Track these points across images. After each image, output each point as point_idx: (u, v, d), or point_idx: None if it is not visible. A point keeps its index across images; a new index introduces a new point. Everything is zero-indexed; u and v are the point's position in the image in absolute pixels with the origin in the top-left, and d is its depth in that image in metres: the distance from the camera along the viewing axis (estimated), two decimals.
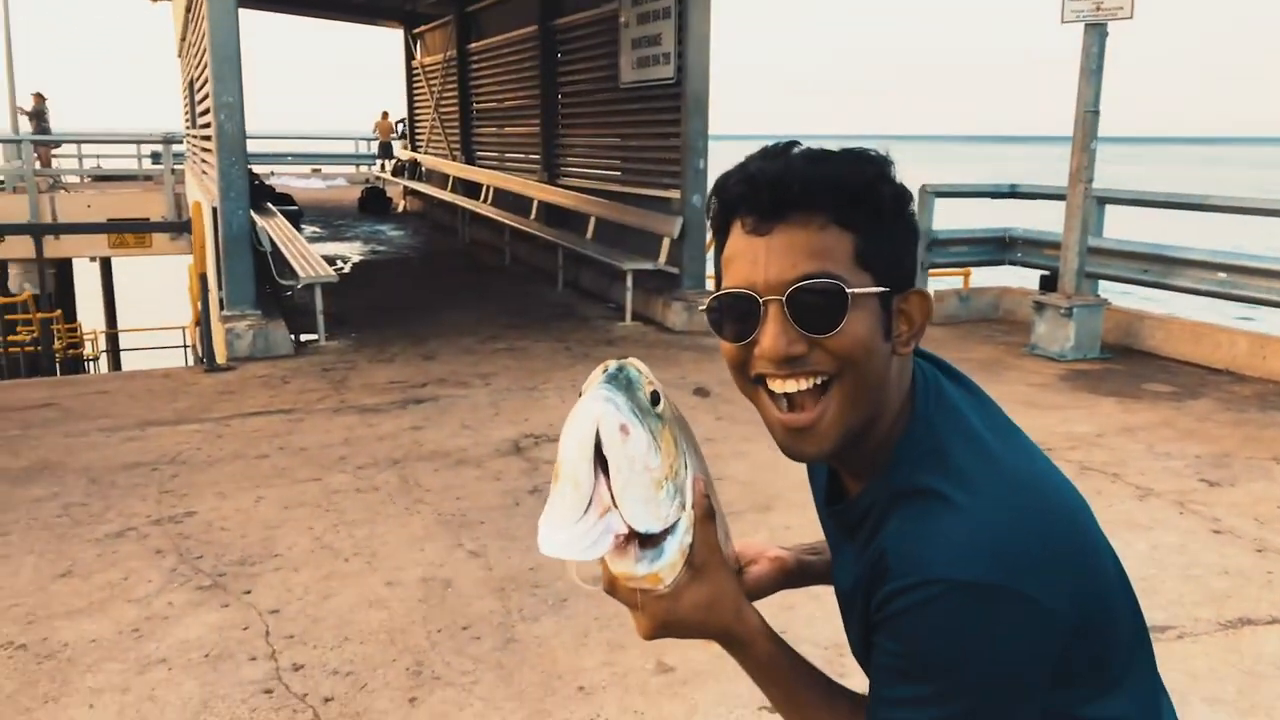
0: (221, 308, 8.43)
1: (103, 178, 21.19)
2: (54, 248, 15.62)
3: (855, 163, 1.09)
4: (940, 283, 10.46)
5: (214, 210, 8.52)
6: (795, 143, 1.12)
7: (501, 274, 13.00)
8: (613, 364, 1.04)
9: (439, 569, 4.24)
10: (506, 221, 13.19)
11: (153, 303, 20.25)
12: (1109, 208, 8.98)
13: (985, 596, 1.00)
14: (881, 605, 1.07)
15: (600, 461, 0.98)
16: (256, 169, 18.34)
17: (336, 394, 7.00)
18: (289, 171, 27.49)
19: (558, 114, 13.29)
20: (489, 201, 14.95)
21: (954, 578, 1.00)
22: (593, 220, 11.20)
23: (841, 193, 1.06)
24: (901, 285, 1.11)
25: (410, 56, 20.91)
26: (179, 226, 14.89)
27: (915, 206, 1.14)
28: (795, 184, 1.06)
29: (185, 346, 16.22)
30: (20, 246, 15.27)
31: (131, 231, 16.13)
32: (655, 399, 1.04)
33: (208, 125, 9.32)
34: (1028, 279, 10.26)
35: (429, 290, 11.84)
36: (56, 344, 14.47)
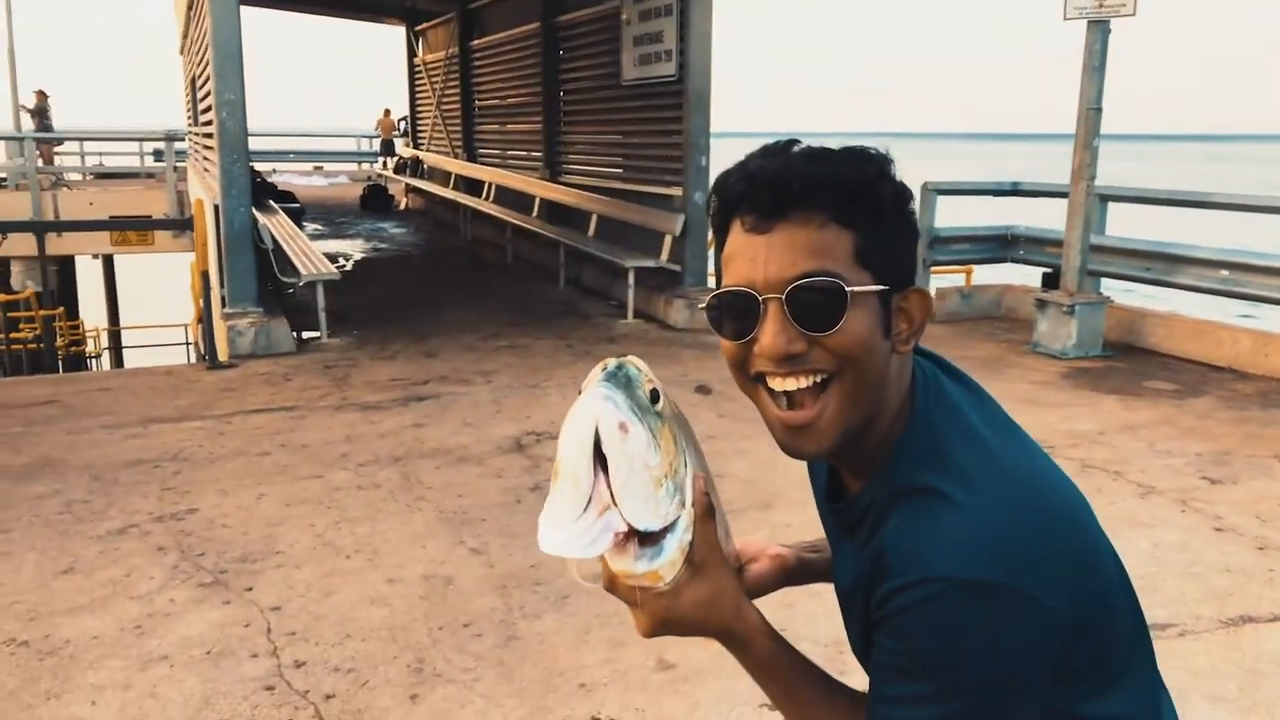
0: (223, 305, 8.43)
1: (105, 175, 21.22)
2: (56, 245, 15.66)
3: (855, 161, 1.09)
4: (942, 280, 10.46)
5: (216, 208, 8.53)
6: (795, 141, 1.12)
7: (503, 271, 13.00)
8: (612, 362, 1.04)
9: (440, 566, 4.24)
10: (508, 219, 13.19)
11: (155, 300, 20.27)
12: (1111, 205, 8.97)
13: (985, 594, 1.00)
14: (881, 603, 1.07)
15: (600, 459, 0.98)
16: (258, 166, 18.36)
17: (338, 391, 7.00)
18: (291, 169, 27.47)
19: (560, 111, 13.29)
20: (491, 199, 14.95)
21: (954, 576, 1.00)
22: (594, 218, 11.20)
23: (842, 191, 1.06)
24: (901, 283, 1.11)
25: (412, 54, 20.90)
26: (181, 224, 14.91)
27: (915, 205, 1.14)
28: (795, 182, 1.06)
29: (187, 344, 16.24)
30: (23, 244, 15.31)
31: (134, 229, 16.15)
32: (654, 397, 1.04)
33: (209, 123, 9.32)
34: (1030, 277, 10.25)
35: (431, 287, 11.84)
36: (59, 341, 14.51)
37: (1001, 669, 1.02)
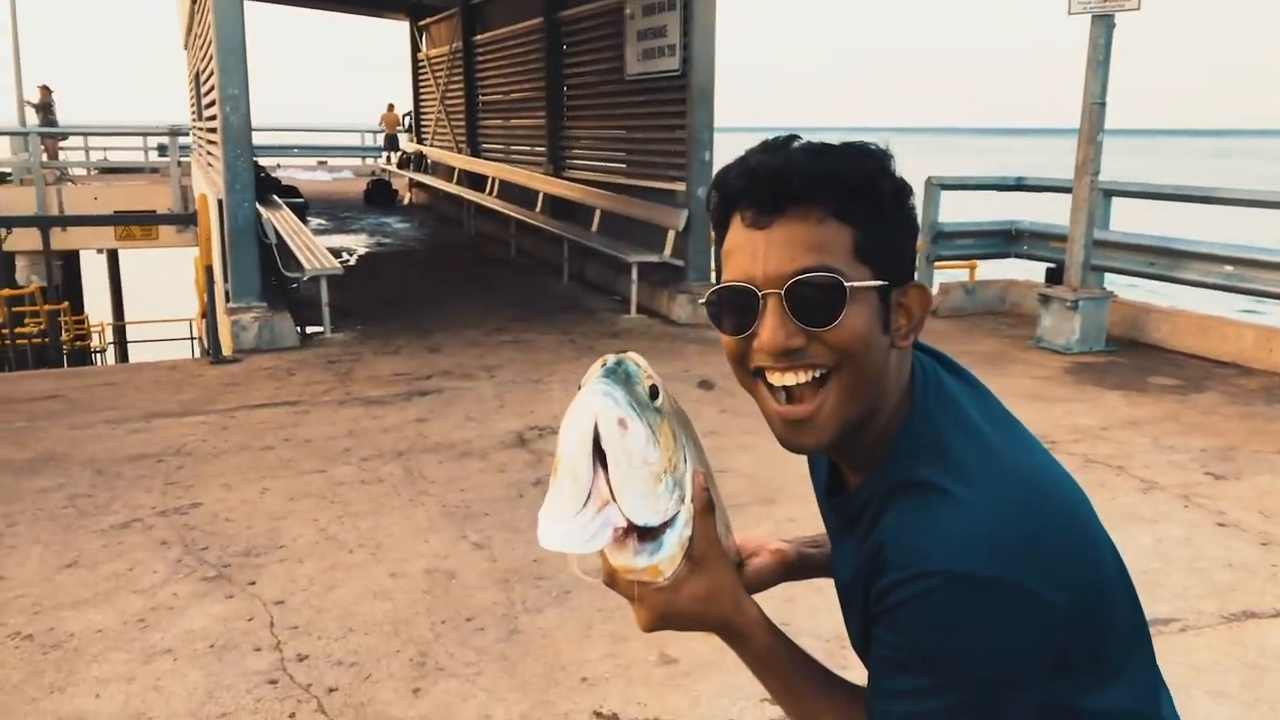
0: (227, 300, 8.44)
1: (109, 170, 21.22)
2: (61, 240, 15.68)
3: (855, 157, 1.09)
4: (946, 275, 10.44)
5: (219, 202, 8.53)
6: (795, 136, 1.12)
7: (507, 266, 13.00)
8: (611, 358, 1.05)
9: (443, 560, 4.25)
10: (512, 214, 13.19)
11: (159, 295, 20.27)
12: (1115, 200, 8.95)
13: (984, 588, 1.00)
14: (880, 597, 1.07)
15: (599, 455, 0.99)
16: (262, 161, 18.35)
17: (342, 386, 7.01)
18: (295, 164, 27.48)
19: (563, 106, 13.28)
20: (494, 194, 14.95)
21: (952, 570, 1.01)
22: (598, 213, 11.19)
23: (841, 187, 1.06)
24: (900, 279, 1.11)
25: (416, 49, 20.89)
26: (185, 219, 14.94)
27: (915, 200, 1.14)
28: (795, 178, 1.06)
29: (192, 338, 16.27)
30: (28, 239, 15.33)
31: (138, 224, 16.17)
32: (654, 393, 1.05)
33: (213, 118, 9.32)
34: (1034, 272, 10.23)
35: (434, 282, 11.85)
36: (64, 336, 14.53)
37: (1000, 663, 1.02)
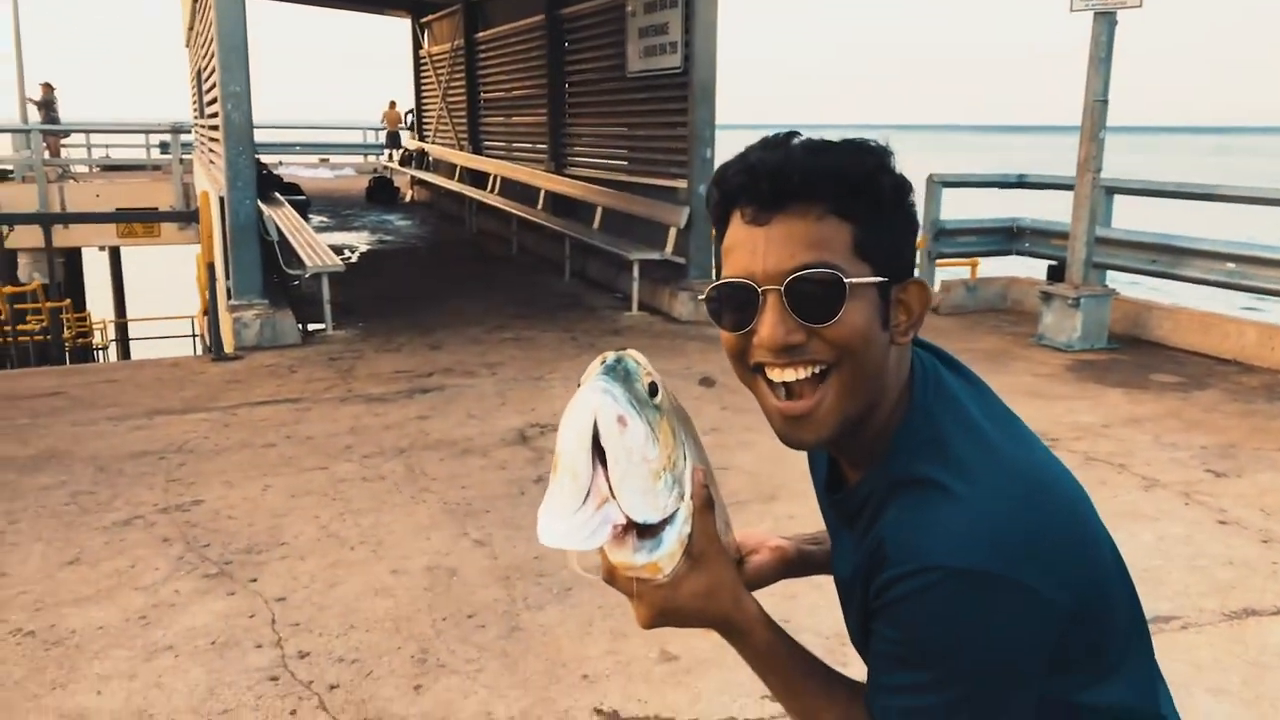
0: (229, 297, 8.44)
1: (111, 167, 21.24)
2: (63, 237, 15.68)
3: (855, 153, 1.10)
4: (948, 273, 10.44)
5: (221, 200, 8.54)
6: (795, 133, 1.12)
7: (508, 264, 13.00)
8: (610, 355, 1.05)
9: (444, 557, 4.25)
10: (513, 211, 13.19)
11: (161, 292, 20.28)
12: (1117, 198, 8.95)
13: (983, 584, 1.00)
14: (880, 592, 1.07)
15: (598, 452, 0.99)
16: (264, 158, 18.35)
17: (343, 383, 7.02)
18: (297, 161, 27.47)
19: (565, 103, 13.27)
20: (496, 191, 14.95)
21: (952, 565, 1.01)
22: (599, 210, 11.19)
23: (841, 183, 1.07)
24: (900, 275, 1.11)
25: (418, 46, 20.88)
26: (187, 216, 14.94)
27: (915, 197, 1.14)
28: (795, 174, 1.06)
29: (193, 336, 16.28)
30: (30, 236, 15.33)
31: (140, 221, 16.16)
32: (653, 390, 1.05)
33: (215, 115, 9.33)
34: (1035, 269, 10.23)
35: (436, 280, 11.85)
36: (66, 333, 14.54)
37: (998, 658, 1.03)
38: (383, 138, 26.93)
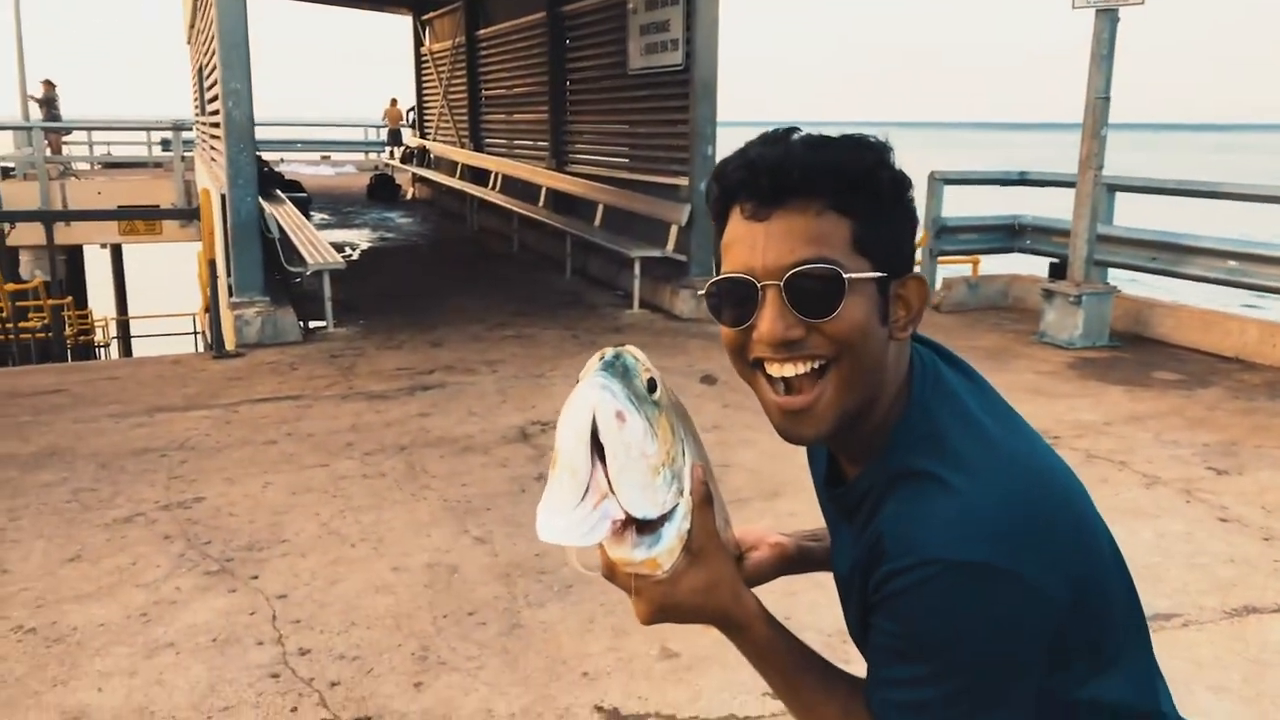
0: (230, 294, 8.45)
1: (113, 165, 21.22)
2: (65, 234, 15.67)
3: (855, 149, 1.10)
4: (949, 270, 10.43)
5: (223, 197, 8.54)
6: (795, 129, 1.12)
7: (509, 261, 13.01)
8: (609, 351, 1.05)
9: (445, 555, 4.26)
10: (515, 209, 13.19)
11: (162, 290, 20.29)
12: (1119, 195, 8.93)
13: (981, 576, 1.00)
14: (879, 586, 1.07)
15: (597, 448, 0.99)
16: (265, 156, 18.35)
17: (344, 380, 7.02)
18: (298, 158, 27.49)
19: (566, 101, 13.27)
20: (497, 189, 14.95)
21: (950, 558, 1.01)
22: (601, 207, 11.19)
23: (841, 179, 1.07)
24: (899, 271, 1.11)
25: (419, 43, 20.89)
26: (188, 213, 14.93)
27: (914, 192, 1.14)
28: (795, 170, 1.06)
29: (195, 333, 16.28)
30: (31, 233, 15.33)
31: (141, 218, 16.16)
32: (652, 386, 1.05)
33: (216, 112, 9.33)
34: (1037, 266, 10.22)
35: (437, 277, 11.85)
36: (67, 330, 14.53)
37: (998, 650, 1.03)
38: (384, 135, 26.93)
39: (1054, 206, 9.71)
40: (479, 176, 16.23)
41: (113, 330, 17.94)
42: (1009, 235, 9.92)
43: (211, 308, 8.45)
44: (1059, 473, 1.13)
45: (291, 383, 6.96)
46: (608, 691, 3.26)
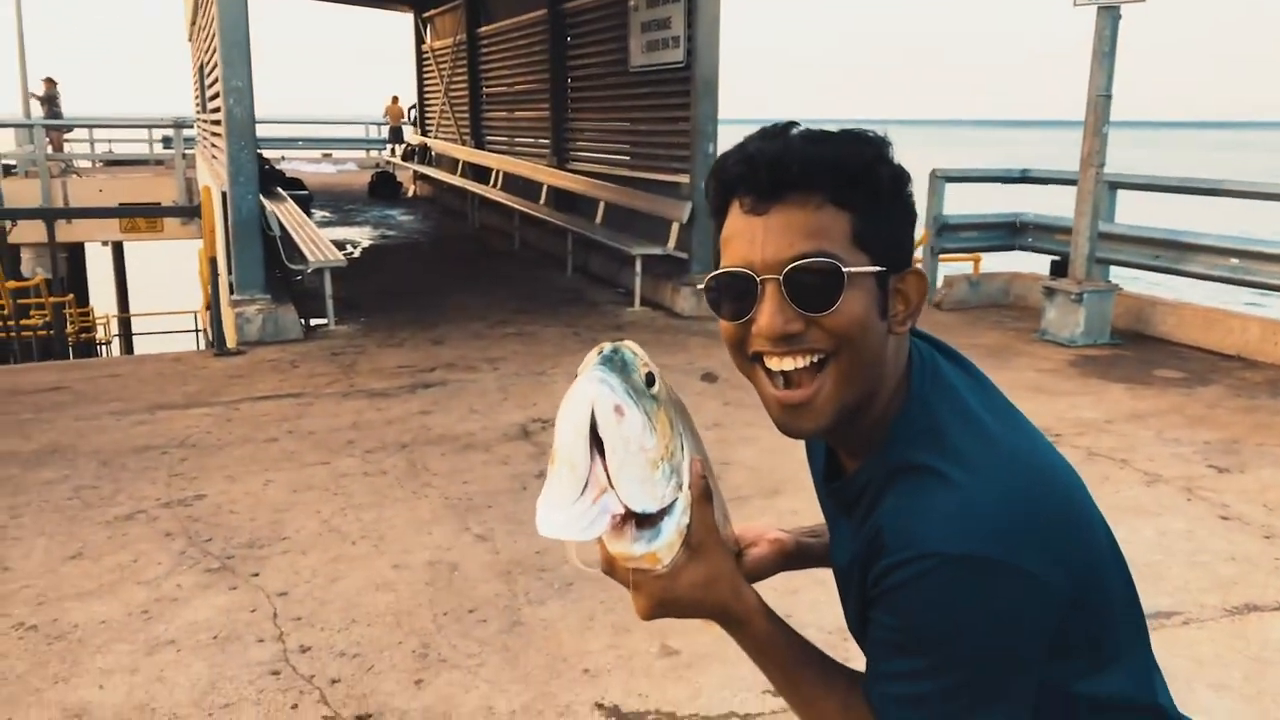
0: (231, 292, 8.45)
1: (114, 162, 21.23)
2: (66, 232, 15.67)
3: (854, 144, 1.10)
4: (950, 268, 10.42)
5: (224, 195, 8.54)
6: (794, 123, 1.12)
7: (511, 259, 13.00)
8: (608, 346, 1.05)
9: (446, 552, 4.26)
10: (516, 206, 13.18)
11: (164, 287, 20.30)
12: (1121, 193, 8.93)
13: (980, 570, 1.00)
14: (877, 580, 1.07)
15: (596, 443, 0.99)
16: (267, 154, 18.35)
17: (345, 378, 7.02)
18: (299, 156, 27.48)
19: (567, 98, 13.27)
20: (498, 186, 14.95)
21: (949, 551, 1.01)
22: (602, 205, 11.18)
23: (840, 173, 1.07)
24: (899, 265, 1.11)
25: (420, 40, 20.89)
26: (190, 211, 14.93)
27: (913, 187, 1.14)
28: (794, 164, 1.06)
29: (196, 331, 16.29)
30: (32, 231, 15.33)
31: (143, 216, 16.17)
32: (650, 380, 1.05)
33: (217, 110, 9.33)
34: (1039, 264, 10.21)
35: (438, 275, 11.85)
36: (69, 328, 14.53)
37: (997, 643, 1.03)
38: (385, 133, 26.93)
39: (1055, 204, 9.71)
40: (480, 174, 16.23)
41: (114, 328, 17.95)
42: (1010, 233, 9.91)
43: (213, 305, 8.44)
44: (1059, 469, 1.13)
45: (292, 380, 6.96)
46: (608, 689, 3.26)
